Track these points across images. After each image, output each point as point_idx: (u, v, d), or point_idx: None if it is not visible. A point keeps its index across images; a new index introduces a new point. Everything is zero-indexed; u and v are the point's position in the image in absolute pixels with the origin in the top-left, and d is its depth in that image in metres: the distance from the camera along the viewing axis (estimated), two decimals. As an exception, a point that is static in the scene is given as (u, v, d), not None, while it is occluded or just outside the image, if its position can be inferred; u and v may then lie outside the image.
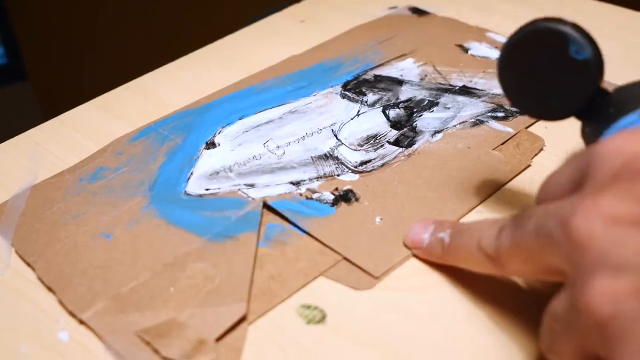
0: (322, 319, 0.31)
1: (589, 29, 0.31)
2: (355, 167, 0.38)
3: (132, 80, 0.48)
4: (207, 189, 0.37)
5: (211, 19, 1.20)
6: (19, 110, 1.24)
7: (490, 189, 0.36)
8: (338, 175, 0.37)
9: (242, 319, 0.30)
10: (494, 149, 0.39)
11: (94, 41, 1.26)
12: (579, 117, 0.31)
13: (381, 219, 0.34)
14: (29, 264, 0.34)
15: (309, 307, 0.31)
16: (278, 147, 0.39)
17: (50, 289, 0.32)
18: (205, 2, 1.28)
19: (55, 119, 0.44)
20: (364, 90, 0.44)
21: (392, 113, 0.42)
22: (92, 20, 1.25)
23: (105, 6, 1.24)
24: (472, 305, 0.31)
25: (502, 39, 0.49)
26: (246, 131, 0.41)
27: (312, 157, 0.39)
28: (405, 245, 0.33)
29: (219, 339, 0.29)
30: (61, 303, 0.31)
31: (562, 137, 0.40)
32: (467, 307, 0.31)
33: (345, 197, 0.36)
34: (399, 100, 0.43)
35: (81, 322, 0.31)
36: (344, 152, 0.39)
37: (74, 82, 1.28)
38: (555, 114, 0.31)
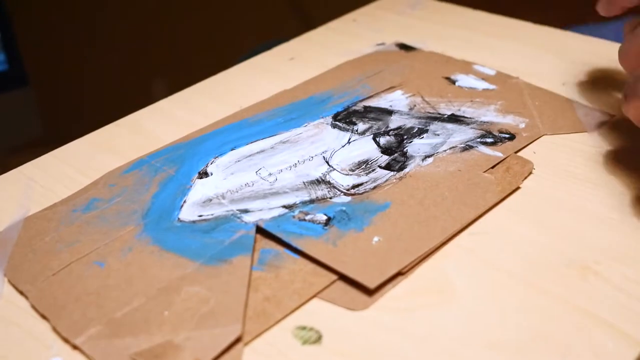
0: (318, 339, 0.30)
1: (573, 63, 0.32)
2: (347, 190, 0.38)
3: (123, 117, 0.48)
4: (200, 215, 0.37)
5: (202, 56, 1.21)
6: (19, 116, 1.23)
7: (482, 209, 0.37)
8: (330, 198, 0.38)
9: (237, 340, 0.30)
10: (484, 172, 0.39)
11: (94, 46, 1.27)
12: None
13: (379, 239, 0.34)
14: (21, 293, 0.33)
15: (304, 328, 0.31)
16: (270, 174, 0.40)
17: (43, 316, 0.32)
18: (196, 40, 1.30)
19: (48, 154, 0.44)
20: (354, 120, 0.45)
21: (383, 140, 0.42)
22: (93, 26, 1.26)
23: (105, 11, 1.25)
24: (469, 326, 0.31)
25: (488, 71, 0.50)
26: (238, 161, 0.41)
27: (304, 183, 0.39)
28: None
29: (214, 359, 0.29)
30: (55, 329, 0.31)
31: (550, 161, 0.41)
32: (463, 327, 0.31)
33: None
34: (389, 129, 0.43)
35: (75, 347, 0.30)
36: (335, 177, 0.39)
37: (75, 88, 1.28)
38: None
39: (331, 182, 0.39)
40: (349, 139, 0.43)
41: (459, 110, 0.45)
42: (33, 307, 0.33)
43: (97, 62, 1.25)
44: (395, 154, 0.41)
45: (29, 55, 1.23)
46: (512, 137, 0.42)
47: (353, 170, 0.40)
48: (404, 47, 0.55)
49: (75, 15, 1.25)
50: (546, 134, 0.43)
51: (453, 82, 0.49)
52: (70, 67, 1.27)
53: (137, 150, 0.44)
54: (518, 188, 0.38)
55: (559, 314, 0.31)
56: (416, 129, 0.43)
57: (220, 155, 0.42)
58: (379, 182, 0.39)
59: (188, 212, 0.37)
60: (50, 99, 1.27)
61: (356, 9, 0.64)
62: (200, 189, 0.39)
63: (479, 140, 0.42)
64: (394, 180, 0.39)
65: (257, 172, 0.40)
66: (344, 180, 0.39)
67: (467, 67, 0.51)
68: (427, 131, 0.43)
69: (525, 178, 0.39)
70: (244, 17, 1.22)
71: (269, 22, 1.24)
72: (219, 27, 1.27)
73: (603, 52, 0.52)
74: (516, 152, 0.41)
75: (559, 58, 0.52)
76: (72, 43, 1.26)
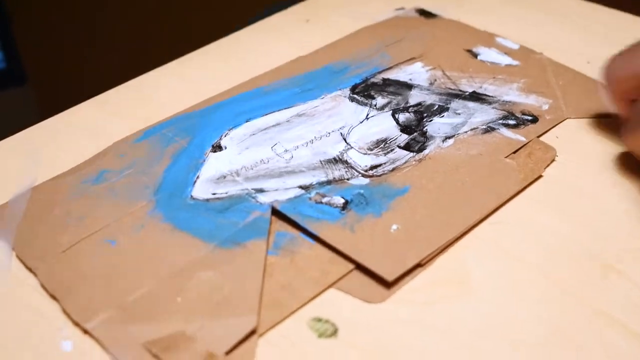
0: (334, 332, 0.30)
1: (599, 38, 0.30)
2: (366, 171, 0.37)
3: (133, 79, 0.47)
4: (214, 194, 0.36)
5: (213, 17, 1.19)
6: (18, 114, 1.22)
7: (504, 197, 0.36)
8: (348, 179, 0.36)
9: (252, 332, 0.29)
10: (506, 157, 0.38)
11: (94, 45, 1.24)
12: None
13: (397, 227, 0.33)
14: (30, 269, 0.32)
15: (320, 320, 0.30)
16: (286, 150, 0.38)
17: (53, 297, 0.31)
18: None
19: (53, 118, 0.43)
20: (372, 93, 0.43)
21: (402, 117, 0.41)
22: (92, 24, 1.24)
23: (105, 9, 1.23)
24: (488, 319, 0.30)
25: (511, 44, 0.48)
26: (253, 134, 0.40)
27: (320, 161, 0.38)
28: None
29: (228, 352, 0.28)
30: (65, 312, 0.30)
31: (573, 147, 0.39)
32: (482, 320, 0.30)
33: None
34: (408, 105, 0.42)
35: (85, 331, 0.30)
36: (353, 156, 0.38)
37: (74, 86, 1.26)
38: None
39: (349, 161, 0.38)
40: (367, 114, 0.41)
41: (481, 87, 0.44)
42: (42, 285, 0.32)
43: (96, 61, 1.22)
44: (415, 134, 0.40)
45: (27, 54, 1.21)
46: (534, 119, 0.41)
47: (371, 150, 0.39)
48: (424, 13, 0.53)
49: (74, 13, 1.22)
50: (570, 118, 0.42)
51: (475, 55, 0.47)
52: (69, 66, 1.24)
53: (146, 115, 0.42)
54: (540, 176, 0.37)
55: (578, 310, 0.31)
56: (436, 106, 0.42)
57: (235, 127, 0.40)
58: (397, 163, 0.38)
59: (201, 189, 0.36)
60: (48, 97, 1.25)
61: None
62: (214, 164, 0.38)
63: (500, 121, 0.41)
64: (413, 162, 0.38)
65: (273, 148, 0.39)
66: (362, 160, 0.38)
67: (489, 39, 0.49)
68: (447, 109, 0.42)
69: (548, 165, 0.38)
70: (243, 17, 1.18)
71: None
72: (219, 27, 1.24)
73: (632, 28, 0.51)
74: (539, 136, 0.40)
75: (584, 33, 0.51)
76: (71, 41, 1.23)
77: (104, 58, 1.23)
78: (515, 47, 0.48)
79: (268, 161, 0.38)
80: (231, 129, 0.40)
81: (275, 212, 0.35)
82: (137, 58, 1.25)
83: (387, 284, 0.32)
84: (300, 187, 0.36)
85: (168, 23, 1.26)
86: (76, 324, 0.30)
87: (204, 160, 0.38)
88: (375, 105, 0.42)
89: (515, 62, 0.46)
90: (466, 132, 0.40)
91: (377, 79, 0.45)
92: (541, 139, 0.40)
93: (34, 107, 1.24)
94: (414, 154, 0.38)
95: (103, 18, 1.23)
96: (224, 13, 1.05)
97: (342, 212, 0.35)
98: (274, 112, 0.42)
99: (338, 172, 0.37)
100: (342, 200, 0.35)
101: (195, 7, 1.27)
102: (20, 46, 1.20)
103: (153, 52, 1.25)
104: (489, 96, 0.43)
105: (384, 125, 0.41)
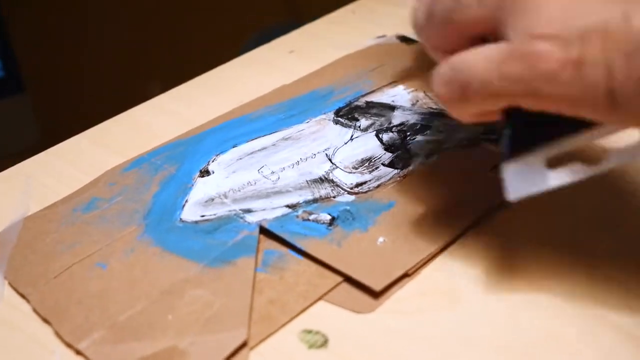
0: (324, 343, 0.30)
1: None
2: (351, 188, 0.38)
3: (122, 112, 0.48)
4: (202, 216, 0.36)
5: (201, 51, 1.21)
6: (16, 122, 1.23)
7: (486, 209, 0.36)
8: (334, 197, 0.37)
9: (242, 345, 0.30)
10: (489, 170, 0.39)
11: (91, 54, 1.26)
12: None
13: (384, 240, 0.34)
14: (23, 296, 0.33)
15: (310, 331, 0.31)
16: (272, 172, 0.39)
17: (45, 320, 0.31)
18: (195, 34, 1.29)
19: (45, 151, 0.44)
20: (356, 116, 0.44)
21: (386, 137, 0.42)
22: (90, 33, 1.25)
23: (102, 18, 1.25)
24: (476, 328, 0.31)
25: (491, 64, 0.50)
26: (240, 158, 0.41)
27: (307, 181, 0.38)
28: None
29: (220, 365, 0.29)
30: (57, 334, 0.31)
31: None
32: (470, 329, 0.31)
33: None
34: (391, 125, 0.43)
35: (78, 352, 0.30)
36: (339, 175, 0.39)
37: (72, 95, 1.27)
38: None
39: (334, 180, 0.38)
40: (352, 136, 0.42)
41: (462, 105, 0.45)
42: (35, 310, 0.32)
43: (94, 69, 1.24)
44: (399, 151, 0.41)
45: (25, 62, 1.22)
46: (516, 133, 0.42)
47: (356, 168, 0.39)
48: (405, 39, 0.54)
49: (72, 22, 1.24)
50: (550, 130, 0.42)
51: (455, 76, 0.48)
52: (66, 74, 1.26)
53: (136, 147, 0.43)
54: (523, 186, 0.38)
55: (568, 316, 0.31)
56: (419, 125, 0.43)
57: (222, 152, 0.41)
58: (382, 180, 0.38)
59: (190, 212, 0.37)
60: (47, 105, 1.26)
61: (354, 1, 0.63)
62: (202, 188, 0.38)
63: (482, 136, 0.42)
64: (398, 179, 0.38)
65: (260, 170, 0.39)
66: (348, 179, 0.39)
67: (469, 60, 0.50)
68: (430, 127, 0.43)
69: (530, 175, 0.39)
70: (243, 17, 1.21)
71: (266, 23, 1.24)
72: (218, 28, 1.26)
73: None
74: (520, 149, 0.41)
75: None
76: (68, 50, 1.25)
77: (102, 67, 1.24)
78: (494, 66, 0.49)
79: (255, 183, 0.39)
80: (218, 154, 0.41)
81: (264, 231, 0.35)
82: (135, 65, 1.26)
83: (375, 295, 0.32)
84: (288, 206, 0.37)
85: (166, 30, 1.27)
86: (69, 346, 0.30)
87: (192, 185, 0.39)
88: (359, 127, 0.43)
89: (494, 81, 0.47)
90: (449, 148, 0.41)
91: (361, 102, 0.46)
92: (522, 151, 0.41)
93: (32, 115, 1.25)
94: (399, 170, 0.39)
95: (101, 27, 1.25)
96: (212, 48, 1.07)
97: (329, 228, 0.35)
98: (259, 137, 0.42)
99: (324, 190, 0.38)
100: (329, 217, 0.36)
101: (185, 41, 1.29)
102: (19, 54, 1.22)
103: (151, 59, 1.27)
104: (470, 113, 0.44)
105: (369, 145, 0.41)
